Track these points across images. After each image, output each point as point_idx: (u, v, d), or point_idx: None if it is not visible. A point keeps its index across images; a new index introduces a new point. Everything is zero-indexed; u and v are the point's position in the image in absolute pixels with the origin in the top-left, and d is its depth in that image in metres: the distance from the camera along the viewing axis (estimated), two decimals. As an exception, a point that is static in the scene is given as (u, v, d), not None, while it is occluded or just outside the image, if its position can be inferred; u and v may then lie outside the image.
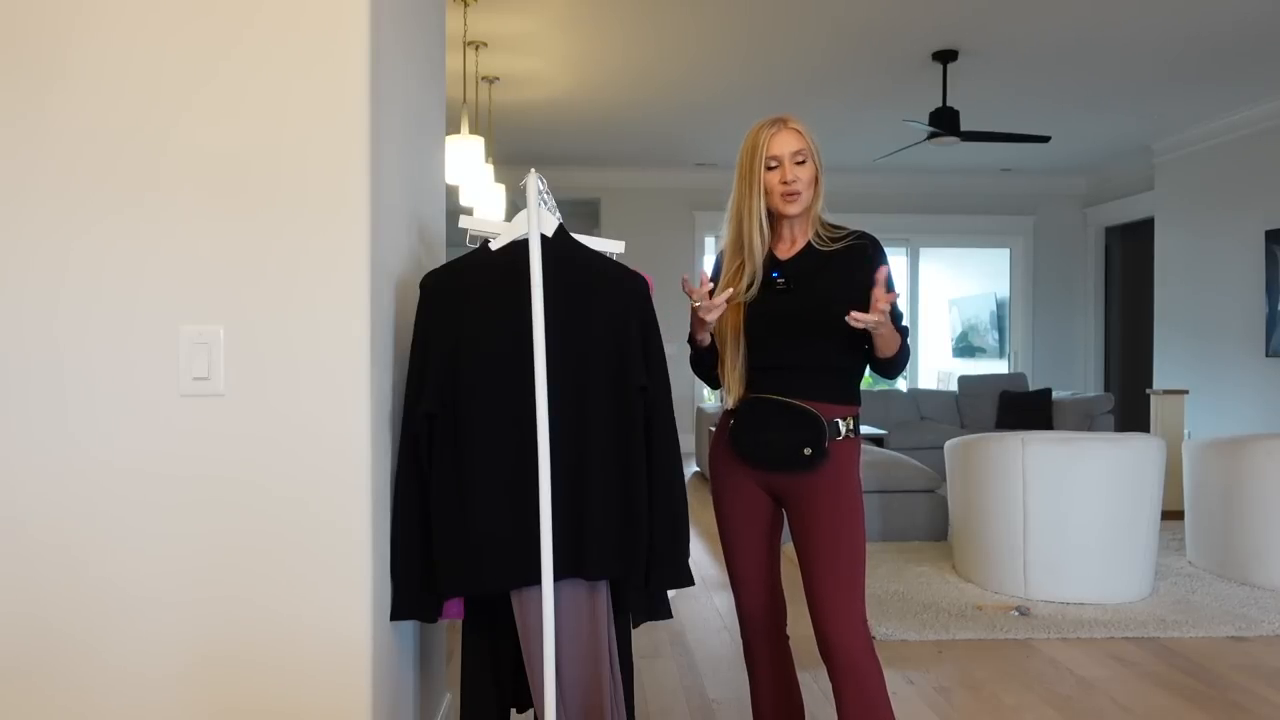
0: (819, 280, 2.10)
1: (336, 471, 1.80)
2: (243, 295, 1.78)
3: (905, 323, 2.16)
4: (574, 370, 1.93)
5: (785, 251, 2.16)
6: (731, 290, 2.06)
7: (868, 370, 2.19)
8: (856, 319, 1.94)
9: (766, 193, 2.10)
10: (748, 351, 2.11)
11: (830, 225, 2.17)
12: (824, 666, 2.08)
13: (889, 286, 2.03)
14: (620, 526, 1.93)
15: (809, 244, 2.14)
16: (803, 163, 2.08)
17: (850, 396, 2.14)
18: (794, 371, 2.08)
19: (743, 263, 2.12)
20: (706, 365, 2.21)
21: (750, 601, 2.22)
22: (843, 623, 2.04)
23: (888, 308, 1.97)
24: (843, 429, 2.10)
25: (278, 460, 1.79)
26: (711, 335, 2.15)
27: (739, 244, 2.13)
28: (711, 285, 2.06)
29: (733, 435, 2.14)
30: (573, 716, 1.96)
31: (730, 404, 2.14)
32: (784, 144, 2.08)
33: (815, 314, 2.05)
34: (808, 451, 2.05)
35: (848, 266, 2.10)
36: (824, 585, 2.06)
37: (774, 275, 2.11)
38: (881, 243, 2.18)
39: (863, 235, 2.16)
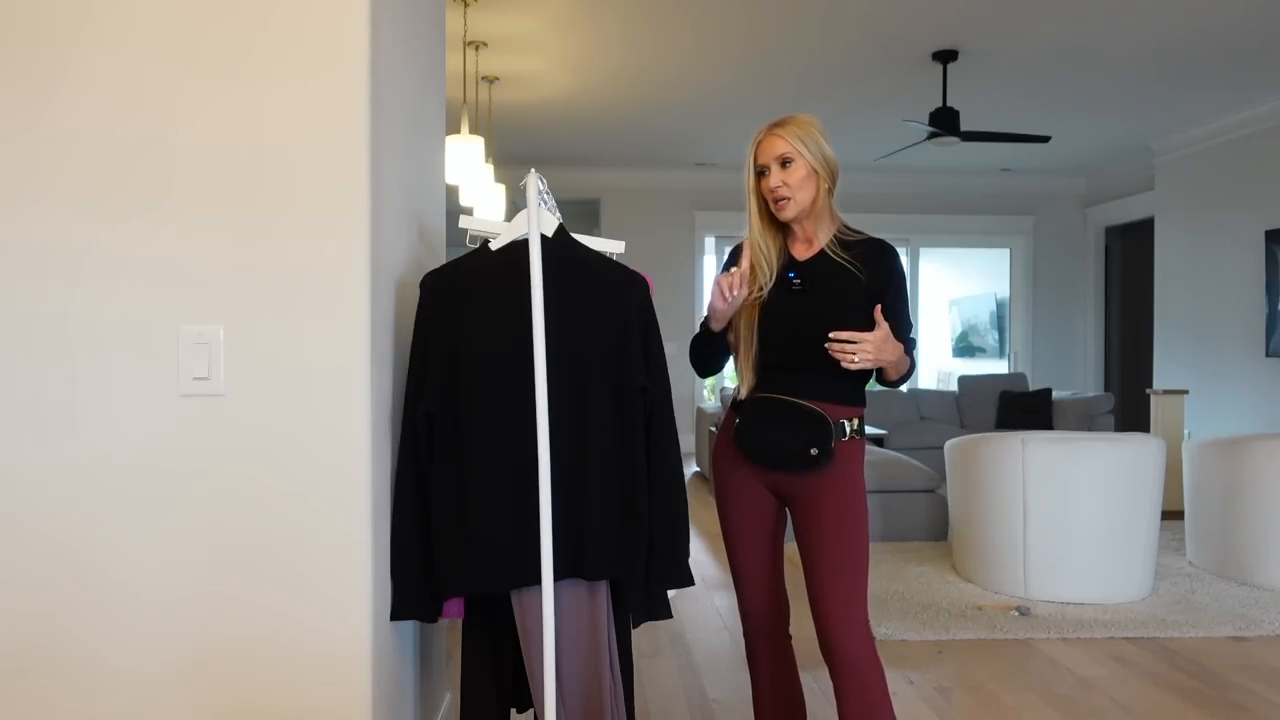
0: (834, 284, 2.09)
1: (336, 471, 1.80)
2: (243, 295, 1.78)
3: (914, 334, 2.16)
4: (574, 370, 1.93)
5: (803, 252, 2.16)
6: (747, 290, 2.06)
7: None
8: (845, 358, 1.96)
9: (764, 200, 2.12)
10: (759, 349, 2.11)
11: (850, 229, 2.18)
12: (824, 667, 2.08)
13: (895, 302, 2.07)
14: (620, 526, 1.93)
15: (827, 246, 2.14)
16: (788, 165, 2.08)
17: (856, 398, 2.14)
18: (802, 372, 2.08)
19: (754, 264, 2.13)
20: (703, 352, 2.21)
21: (753, 601, 2.21)
22: (845, 624, 2.03)
23: (857, 361, 1.96)
24: (848, 429, 2.10)
25: (278, 460, 1.79)
26: (725, 329, 2.15)
27: (751, 248, 2.15)
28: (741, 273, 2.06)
29: (738, 434, 2.14)
30: (573, 716, 1.96)
31: (742, 393, 2.14)
32: (768, 150, 2.10)
33: (828, 317, 2.04)
34: (814, 451, 2.05)
35: (863, 273, 2.09)
36: (827, 586, 2.05)
37: (790, 275, 2.12)
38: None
39: (882, 244, 2.16)
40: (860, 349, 1.95)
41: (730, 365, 2.24)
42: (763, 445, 2.10)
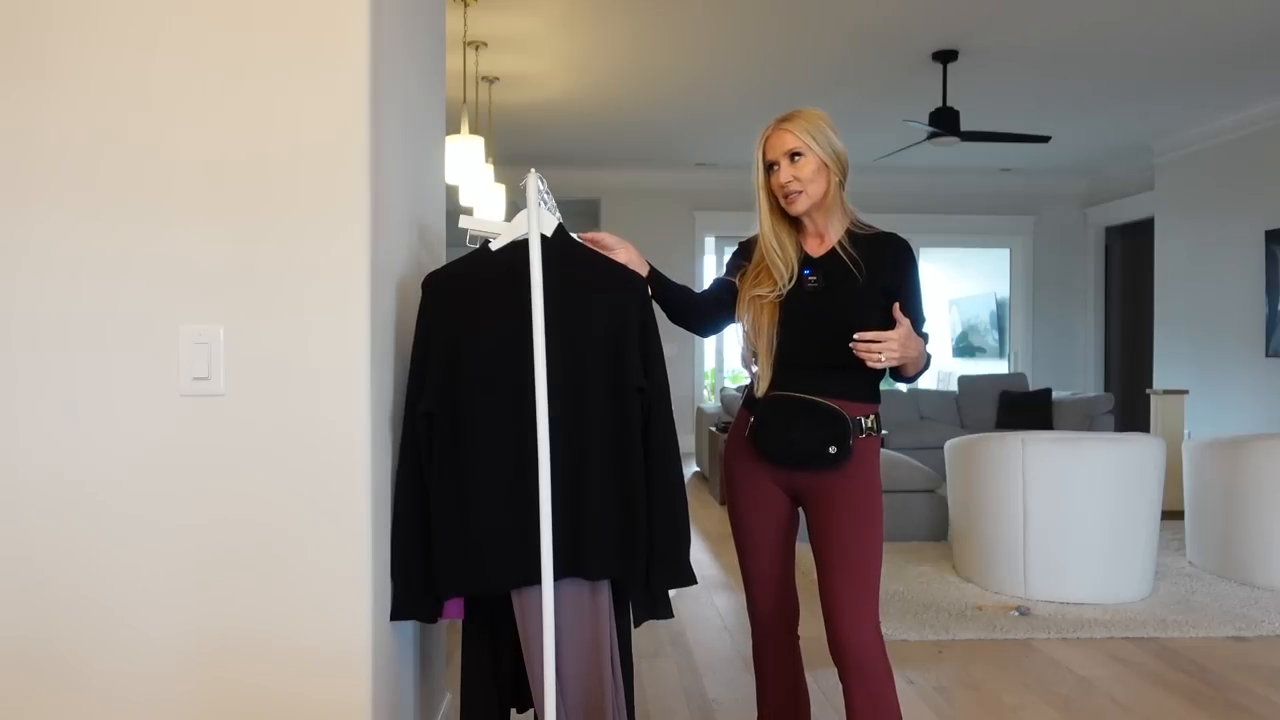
0: (850, 280, 2.08)
1: (336, 471, 1.80)
2: (243, 295, 1.78)
3: (926, 328, 2.15)
4: (573, 370, 1.93)
5: (816, 248, 2.14)
6: None
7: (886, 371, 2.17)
8: (870, 357, 1.95)
9: (775, 196, 2.11)
10: (778, 347, 2.10)
11: (862, 223, 2.16)
12: (825, 667, 2.07)
13: (911, 297, 2.08)
14: (619, 526, 1.93)
15: (840, 241, 2.12)
16: (798, 159, 2.06)
17: (872, 395, 2.13)
18: (819, 370, 2.07)
19: (769, 264, 2.12)
20: (673, 311, 2.22)
21: (762, 601, 2.20)
22: (856, 624, 2.02)
23: (883, 360, 1.96)
24: (865, 426, 2.09)
25: (278, 460, 1.79)
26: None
27: (764, 247, 2.14)
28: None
29: (754, 433, 2.12)
30: (573, 716, 1.96)
31: (759, 391, 2.12)
32: (778, 145, 2.08)
33: (845, 314, 2.03)
34: (833, 450, 2.03)
35: (878, 268, 2.08)
36: (838, 585, 2.04)
37: (806, 273, 2.10)
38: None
39: (894, 238, 2.14)
40: (885, 347, 1.94)
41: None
42: (780, 445, 2.08)
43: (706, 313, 2.23)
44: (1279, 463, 4.44)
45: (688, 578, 2.01)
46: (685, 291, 2.21)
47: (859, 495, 2.07)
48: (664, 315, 2.15)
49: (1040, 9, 5.21)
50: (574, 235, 2.05)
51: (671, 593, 2.05)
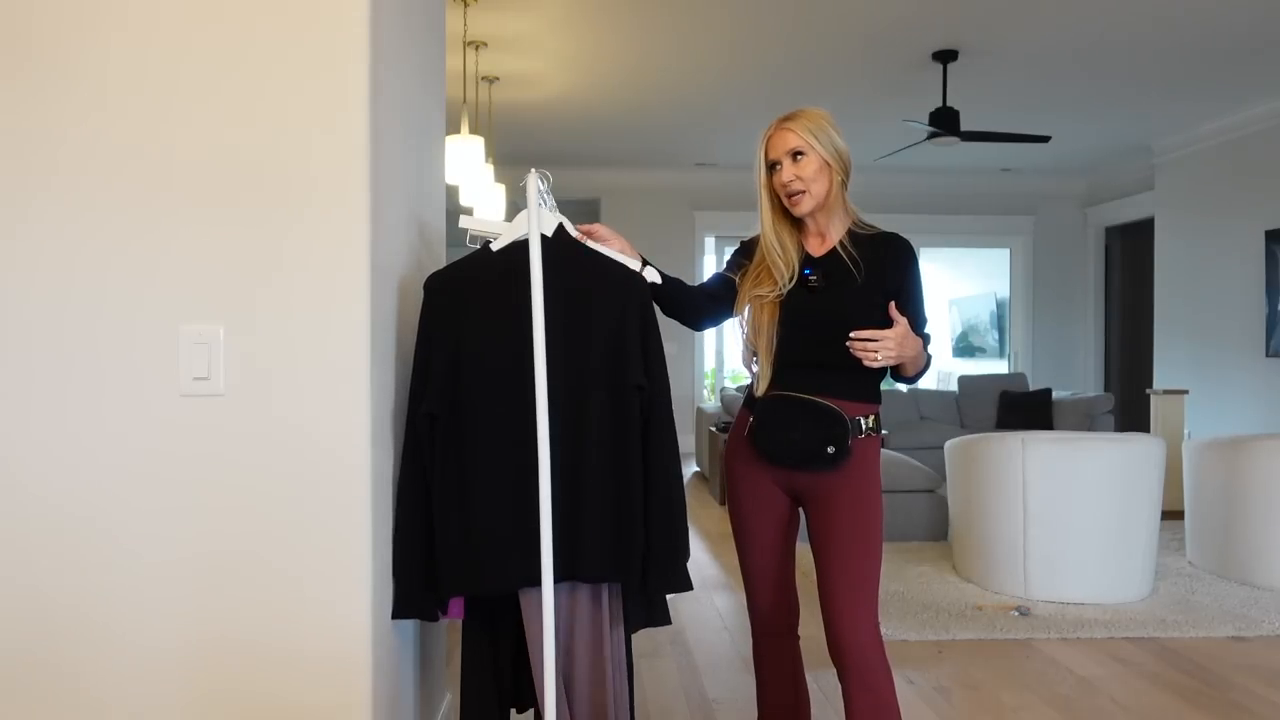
0: (850, 280, 2.07)
1: (336, 471, 1.80)
2: (243, 295, 1.78)
3: (927, 329, 2.14)
4: (573, 370, 1.92)
5: (817, 248, 2.14)
6: None
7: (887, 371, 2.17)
8: (868, 356, 1.95)
9: (777, 195, 2.11)
10: (778, 347, 2.09)
11: (864, 223, 2.16)
12: (825, 667, 2.07)
13: (912, 297, 2.07)
14: (615, 528, 1.92)
15: (841, 241, 2.12)
16: (800, 158, 2.06)
17: (872, 394, 2.13)
18: (819, 370, 2.06)
19: (770, 263, 2.11)
20: (667, 306, 2.20)
21: (762, 601, 2.20)
22: (855, 625, 2.01)
23: (879, 359, 1.96)
24: (864, 426, 2.09)
25: (278, 460, 1.79)
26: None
27: (765, 246, 2.13)
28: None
29: (754, 433, 2.12)
30: (575, 716, 1.96)
31: (759, 390, 2.12)
32: (780, 145, 2.08)
33: (846, 314, 2.03)
34: (831, 450, 2.03)
35: (879, 268, 2.08)
36: (838, 586, 2.03)
37: (806, 272, 2.10)
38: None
39: (895, 237, 2.14)
40: (882, 346, 1.94)
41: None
42: (779, 445, 2.08)
43: (700, 306, 2.23)
44: (1279, 463, 4.44)
45: (683, 583, 1.99)
46: (677, 284, 2.21)
47: (858, 496, 2.07)
48: (659, 311, 2.14)
49: (1040, 9, 5.21)
50: (571, 228, 2.04)
51: (669, 596, 2.04)
